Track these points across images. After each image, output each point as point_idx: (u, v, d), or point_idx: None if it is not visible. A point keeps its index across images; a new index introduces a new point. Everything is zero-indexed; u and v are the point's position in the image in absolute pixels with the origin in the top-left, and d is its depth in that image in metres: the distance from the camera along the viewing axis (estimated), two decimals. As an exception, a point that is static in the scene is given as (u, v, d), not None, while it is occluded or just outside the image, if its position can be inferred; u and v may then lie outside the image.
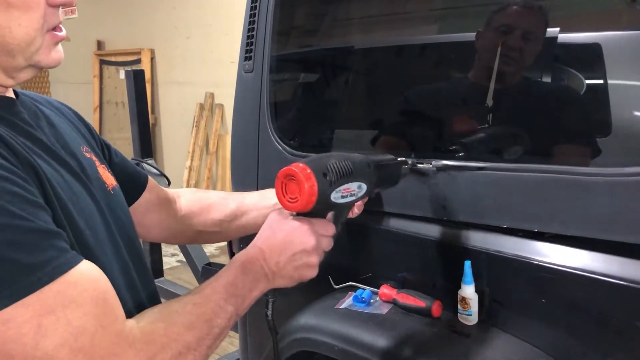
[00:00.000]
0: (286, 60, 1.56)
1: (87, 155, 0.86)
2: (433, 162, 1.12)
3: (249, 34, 1.51)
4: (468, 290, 1.06)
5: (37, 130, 0.76)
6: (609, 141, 0.99)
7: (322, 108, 1.55)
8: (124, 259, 0.82)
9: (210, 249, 4.61)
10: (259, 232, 0.86)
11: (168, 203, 1.10)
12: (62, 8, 0.75)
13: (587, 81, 1.04)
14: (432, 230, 1.16)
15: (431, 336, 1.08)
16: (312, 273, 0.86)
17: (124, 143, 5.53)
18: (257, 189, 1.48)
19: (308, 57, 1.57)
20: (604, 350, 0.93)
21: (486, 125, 1.16)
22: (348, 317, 1.16)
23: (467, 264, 1.05)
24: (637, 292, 0.87)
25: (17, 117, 0.74)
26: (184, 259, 2.67)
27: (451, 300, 1.10)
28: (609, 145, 0.99)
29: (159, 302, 0.86)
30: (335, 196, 0.84)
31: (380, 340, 1.07)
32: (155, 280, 1.57)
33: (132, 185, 1.03)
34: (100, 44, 6.48)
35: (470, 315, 1.07)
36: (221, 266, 0.85)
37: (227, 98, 4.94)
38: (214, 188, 5.26)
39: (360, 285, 1.27)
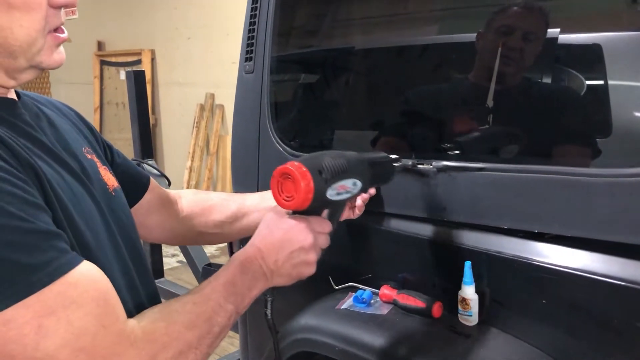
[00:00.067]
0: (287, 61, 1.56)
1: (89, 156, 0.86)
2: (433, 163, 1.13)
3: (250, 34, 1.52)
4: (468, 291, 1.06)
5: (38, 131, 0.76)
6: (609, 142, 0.99)
7: (322, 109, 1.55)
8: (125, 260, 0.82)
9: (210, 249, 4.61)
10: (256, 231, 0.86)
11: (169, 204, 1.10)
12: (64, 9, 0.75)
13: (588, 82, 1.04)
14: (433, 231, 1.16)
15: (431, 337, 1.08)
16: (311, 270, 0.86)
17: (124, 144, 5.53)
18: (258, 190, 1.48)
19: (308, 57, 1.57)
20: (604, 350, 0.93)
21: (487, 126, 1.16)
22: (348, 318, 1.16)
23: (468, 264, 1.06)
24: (637, 292, 0.87)
25: (18, 118, 0.74)
26: (185, 260, 2.68)
27: (451, 301, 1.10)
28: (609, 146, 0.99)
29: (159, 302, 0.86)
30: (331, 193, 0.85)
31: (380, 341, 1.07)
32: (156, 281, 1.57)
33: (134, 186, 1.03)
34: (100, 45, 6.49)
35: (471, 315, 1.07)
36: (221, 267, 0.85)
37: (227, 99, 4.94)
38: (215, 189, 5.26)
39: (360, 286, 1.27)
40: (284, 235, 0.83)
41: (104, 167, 0.89)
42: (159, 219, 1.08)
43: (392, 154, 1.07)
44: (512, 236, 1.04)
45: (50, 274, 0.61)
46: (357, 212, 1.15)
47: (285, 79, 1.61)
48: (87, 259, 0.67)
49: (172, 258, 4.52)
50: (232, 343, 2.95)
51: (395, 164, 1.06)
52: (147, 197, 1.06)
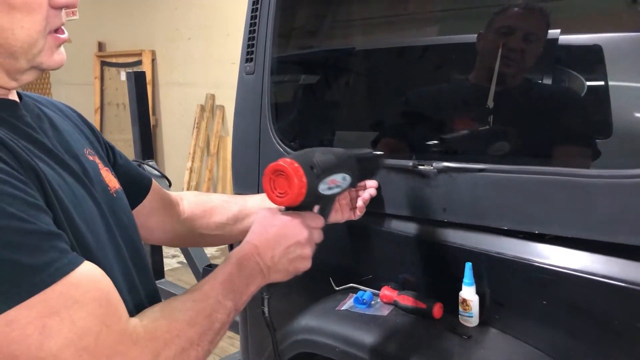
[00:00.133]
0: (287, 61, 1.56)
1: (90, 158, 0.86)
2: (434, 164, 1.13)
3: (250, 35, 1.52)
4: (469, 292, 1.06)
5: (39, 133, 0.76)
6: (609, 143, 0.99)
7: (322, 109, 1.56)
8: (125, 261, 0.82)
9: (211, 250, 4.61)
10: (250, 229, 0.87)
11: (171, 206, 1.11)
12: (64, 10, 0.75)
13: (588, 83, 1.05)
14: (433, 232, 1.16)
15: (432, 338, 1.08)
16: (307, 265, 0.88)
17: (124, 144, 5.53)
18: (258, 191, 1.48)
19: (309, 58, 1.57)
20: (604, 351, 0.93)
21: (487, 127, 1.16)
22: (349, 319, 1.16)
23: (468, 265, 1.06)
24: (637, 293, 0.87)
25: (19, 119, 0.74)
26: (185, 261, 2.68)
27: (452, 302, 1.10)
28: (609, 147, 0.99)
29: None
30: (323, 188, 0.87)
31: (381, 342, 1.07)
32: (156, 282, 1.57)
33: (136, 187, 1.03)
34: (101, 46, 6.49)
35: (471, 316, 1.07)
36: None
37: (228, 99, 4.94)
38: (215, 189, 5.26)
39: (361, 287, 1.27)
40: (279, 231, 0.85)
41: (106, 168, 0.89)
42: (160, 220, 1.08)
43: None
44: (513, 237, 1.05)
45: (52, 274, 0.61)
46: (358, 213, 1.16)
47: (286, 80, 1.61)
48: (87, 260, 0.67)
49: (172, 259, 4.52)
50: (232, 344, 2.95)
51: (380, 160, 1.10)
52: (149, 198, 1.06)
